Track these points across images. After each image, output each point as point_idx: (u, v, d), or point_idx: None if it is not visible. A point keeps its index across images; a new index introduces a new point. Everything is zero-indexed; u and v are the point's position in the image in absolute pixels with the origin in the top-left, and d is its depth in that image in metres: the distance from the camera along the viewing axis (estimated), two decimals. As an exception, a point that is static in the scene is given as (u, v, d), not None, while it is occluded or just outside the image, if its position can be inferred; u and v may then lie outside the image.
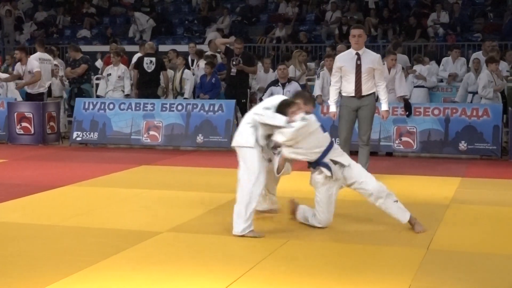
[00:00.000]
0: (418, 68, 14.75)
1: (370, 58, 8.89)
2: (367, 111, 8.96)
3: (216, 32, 20.45)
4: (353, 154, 9.11)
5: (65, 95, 14.83)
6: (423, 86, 14.67)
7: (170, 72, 14.51)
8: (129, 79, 14.13)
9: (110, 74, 14.06)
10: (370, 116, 9.00)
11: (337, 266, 5.39)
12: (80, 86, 14.17)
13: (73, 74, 14.16)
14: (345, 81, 8.93)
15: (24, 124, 13.39)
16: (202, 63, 14.52)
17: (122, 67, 14.16)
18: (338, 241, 6.09)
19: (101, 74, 14.67)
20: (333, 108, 9.11)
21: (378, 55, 9.07)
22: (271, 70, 14.41)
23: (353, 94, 8.90)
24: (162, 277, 5.08)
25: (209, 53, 15.50)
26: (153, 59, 13.95)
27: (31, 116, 13.31)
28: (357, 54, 8.84)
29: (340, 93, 9.07)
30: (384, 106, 9.02)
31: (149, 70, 13.89)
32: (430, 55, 16.68)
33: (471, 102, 13.00)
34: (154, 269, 5.27)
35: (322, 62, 14.29)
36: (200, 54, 15.28)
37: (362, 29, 9.10)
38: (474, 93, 13.18)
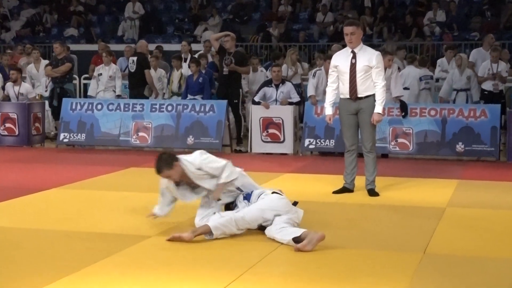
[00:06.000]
0: (408, 70, 13.39)
1: (367, 56, 8.05)
2: (366, 115, 8.10)
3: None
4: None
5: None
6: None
7: (160, 72, 14.25)
8: (120, 79, 13.90)
9: (101, 74, 13.77)
10: (370, 120, 8.11)
11: (331, 271, 5.28)
12: (63, 86, 13.93)
13: (56, 73, 13.85)
14: (341, 82, 8.23)
15: (8, 125, 13.13)
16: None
17: (113, 66, 13.88)
18: (332, 246, 5.93)
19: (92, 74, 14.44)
20: (328, 111, 8.28)
21: (377, 53, 8.16)
22: (259, 69, 14.12)
23: (349, 96, 8.13)
24: (151, 282, 4.97)
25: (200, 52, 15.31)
26: (135, 58, 13.65)
27: (16, 117, 13.08)
28: (353, 52, 8.06)
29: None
30: (377, 108, 8.04)
31: (132, 70, 13.63)
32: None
33: (454, 100, 12.81)
34: (143, 274, 5.16)
35: (313, 60, 14.10)
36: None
37: (355, 25, 8.13)
38: (459, 90, 13.01)
